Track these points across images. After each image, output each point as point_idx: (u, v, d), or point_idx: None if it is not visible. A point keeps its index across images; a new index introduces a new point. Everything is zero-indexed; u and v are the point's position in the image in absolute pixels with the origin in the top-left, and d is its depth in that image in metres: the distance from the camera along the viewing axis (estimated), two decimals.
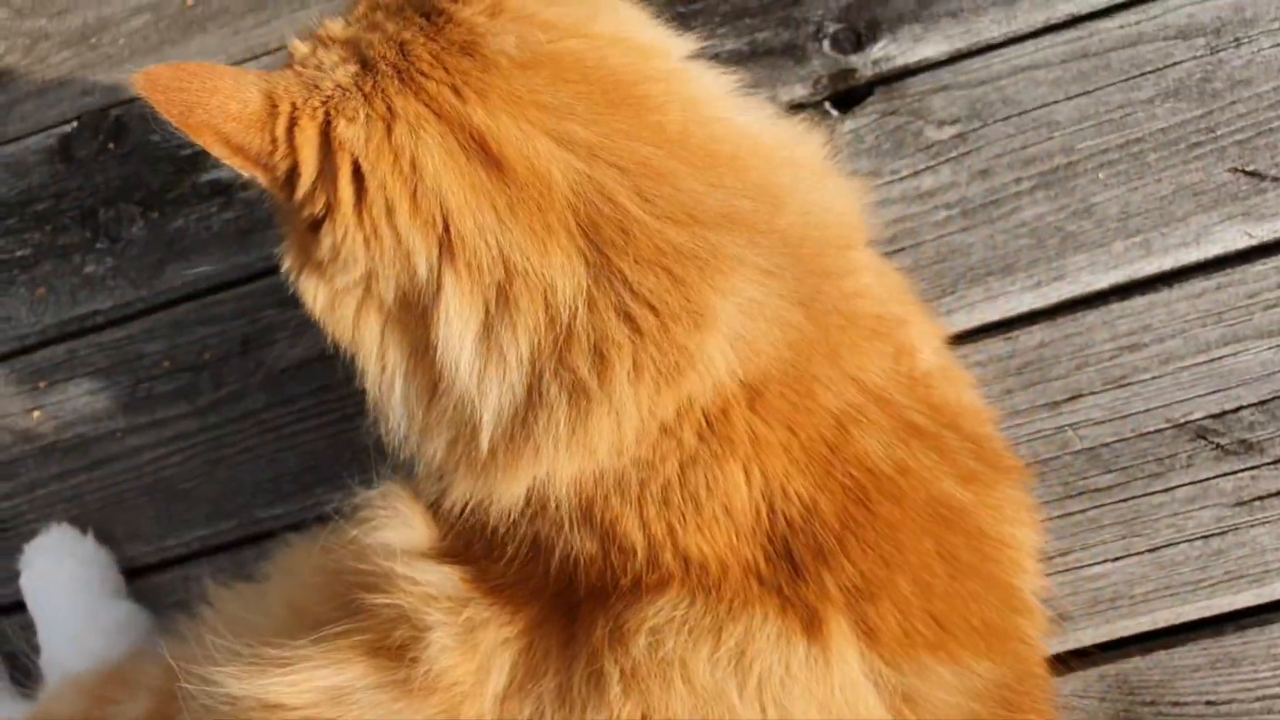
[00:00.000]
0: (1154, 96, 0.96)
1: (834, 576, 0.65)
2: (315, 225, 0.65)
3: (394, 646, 0.67)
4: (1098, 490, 0.88)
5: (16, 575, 1.01)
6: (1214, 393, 0.88)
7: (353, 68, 0.64)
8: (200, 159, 1.14)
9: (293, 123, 0.63)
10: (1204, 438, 0.88)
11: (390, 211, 0.61)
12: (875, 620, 0.65)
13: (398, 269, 0.63)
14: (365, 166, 0.61)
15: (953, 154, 0.98)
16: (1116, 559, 0.87)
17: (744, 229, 0.63)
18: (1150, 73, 0.97)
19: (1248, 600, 0.86)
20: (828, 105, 1.02)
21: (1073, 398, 0.90)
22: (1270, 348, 0.88)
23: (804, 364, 0.65)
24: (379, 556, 0.69)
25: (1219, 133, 0.94)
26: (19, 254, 1.16)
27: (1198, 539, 0.87)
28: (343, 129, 0.62)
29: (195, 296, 1.10)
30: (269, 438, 1.04)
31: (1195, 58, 0.96)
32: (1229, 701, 0.84)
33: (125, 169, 1.16)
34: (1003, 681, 0.68)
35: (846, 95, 1.02)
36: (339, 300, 0.67)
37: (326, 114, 0.63)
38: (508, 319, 0.62)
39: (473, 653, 0.66)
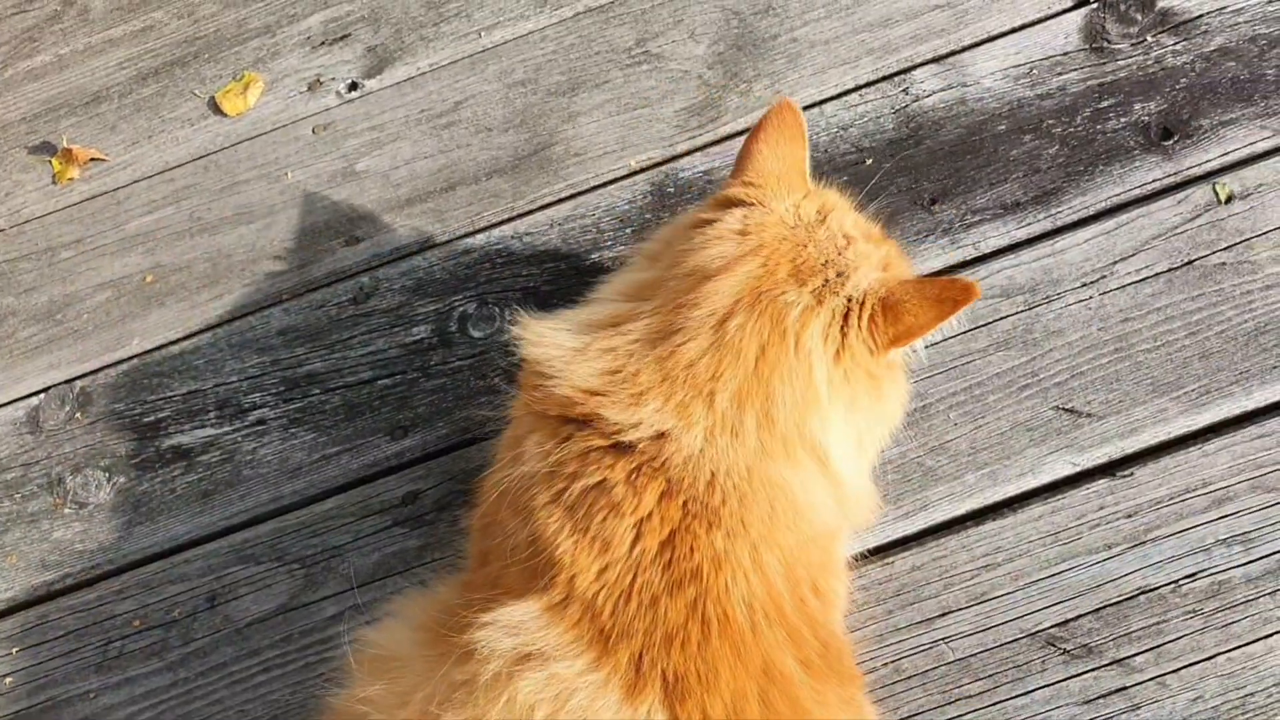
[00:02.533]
0: (988, 346, 1.16)
1: (657, 660, 0.79)
2: (703, 223, 0.92)
3: None
4: (970, 697, 1.03)
5: None
6: (1057, 604, 1.05)
7: (797, 231, 0.91)
8: (163, 425, 1.26)
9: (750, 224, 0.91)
10: (1053, 644, 1.04)
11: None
12: (681, 714, 0.78)
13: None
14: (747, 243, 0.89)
15: None
16: None
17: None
18: (983, 325, 1.17)
19: None
20: None
21: (943, 614, 1.06)
22: (1097, 562, 1.06)
23: (717, 501, 0.82)
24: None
25: (1041, 376, 1.14)
26: None
27: None
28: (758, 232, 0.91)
29: (162, 556, 1.20)
30: (237, 689, 1.14)
31: (1017, 312, 1.17)
32: None
33: (91, 437, 1.27)
34: None
35: None
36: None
37: (761, 221, 0.91)
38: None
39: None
